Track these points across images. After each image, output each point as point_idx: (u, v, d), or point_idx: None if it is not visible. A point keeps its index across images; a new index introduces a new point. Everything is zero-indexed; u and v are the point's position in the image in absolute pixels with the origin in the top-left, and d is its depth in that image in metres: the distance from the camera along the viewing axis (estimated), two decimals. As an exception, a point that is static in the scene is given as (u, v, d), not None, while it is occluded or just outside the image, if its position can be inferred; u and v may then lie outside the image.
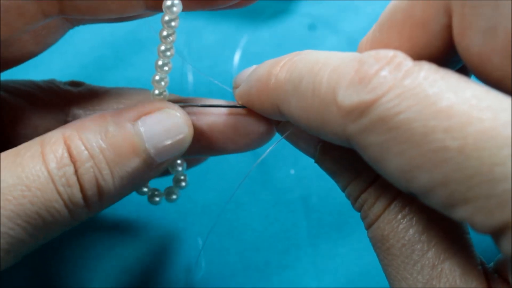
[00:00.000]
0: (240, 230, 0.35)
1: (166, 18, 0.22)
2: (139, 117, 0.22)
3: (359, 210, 0.21)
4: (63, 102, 0.26)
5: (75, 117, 0.25)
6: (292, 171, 0.36)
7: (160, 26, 0.23)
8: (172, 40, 0.23)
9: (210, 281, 0.34)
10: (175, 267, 0.34)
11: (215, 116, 0.25)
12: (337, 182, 0.22)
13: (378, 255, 0.20)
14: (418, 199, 0.16)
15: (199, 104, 0.25)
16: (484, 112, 0.14)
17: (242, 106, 0.24)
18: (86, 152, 0.21)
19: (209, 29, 0.41)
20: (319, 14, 0.41)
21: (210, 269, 0.34)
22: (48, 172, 0.20)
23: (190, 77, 0.39)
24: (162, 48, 0.23)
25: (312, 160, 0.38)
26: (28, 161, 0.20)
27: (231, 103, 0.25)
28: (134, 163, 0.22)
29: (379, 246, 0.20)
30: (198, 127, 0.24)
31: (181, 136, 0.23)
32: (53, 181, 0.20)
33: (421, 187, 0.15)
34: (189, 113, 0.24)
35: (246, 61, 0.39)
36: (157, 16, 0.24)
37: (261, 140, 0.25)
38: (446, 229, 0.18)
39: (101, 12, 0.22)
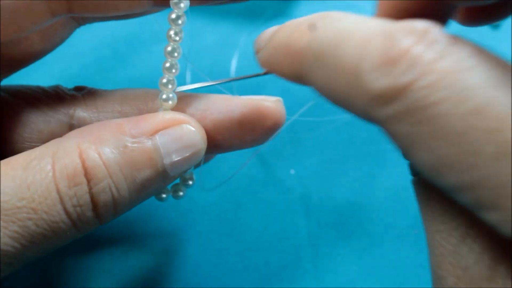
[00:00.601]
0: (240, 230, 0.35)
1: (173, 16, 0.22)
2: (157, 131, 0.22)
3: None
4: (67, 105, 0.25)
5: (79, 120, 0.25)
6: (292, 171, 0.36)
7: (164, 23, 0.23)
8: (179, 39, 0.23)
9: (210, 281, 0.33)
10: (175, 267, 0.34)
11: (220, 113, 0.24)
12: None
13: (418, 203, 0.19)
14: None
15: (217, 82, 0.25)
16: None
17: (266, 73, 0.23)
18: (104, 168, 0.20)
19: (208, 30, 0.41)
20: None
21: (210, 269, 0.34)
22: (58, 192, 0.19)
23: (188, 77, 0.39)
24: (169, 49, 0.23)
25: (313, 160, 0.38)
26: (37, 177, 0.19)
27: (253, 75, 0.24)
28: (150, 177, 0.22)
29: (421, 194, 0.18)
30: (203, 125, 0.24)
31: (196, 151, 0.23)
32: (62, 202, 0.19)
33: (449, 186, 0.14)
34: (194, 112, 0.24)
35: (245, 62, 0.39)
36: (160, 13, 0.24)
37: (267, 134, 0.24)
38: None
39: (109, 10, 0.22)
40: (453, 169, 0.13)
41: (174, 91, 0.24)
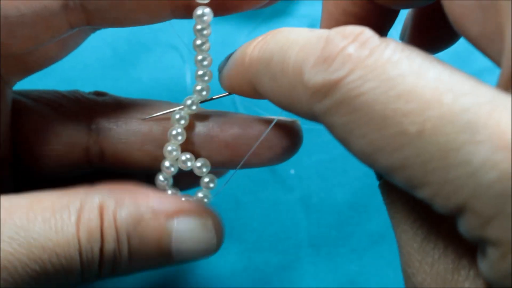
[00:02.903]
0: (240, 230, 0.35)
1: (198, 27, 0.23)
2: (176, 214, 0.22)
3: None
4: (87, 111, 0.25)
5: (98, 126, 0.25)
6: (292, 171, 0.36)
7: (179, 25, 0.23)
8: (207, 49, 0.24)
9: (210, 281, 0.34)
10: (174, 266, 0.34)
11: (239, 128, 0.24)
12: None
13: (386, 206, 0.20)
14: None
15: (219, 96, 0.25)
16: (444, 95, 0.14)
17: (228, 94, 0.24)
18: (114, 234, 0.21)
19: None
20: (318, 15, 0.41)
21: (210, 269, 0.34)
22: (79, 243, 0.20)
23: (188, 78, 0.39)
24: (199, 58, 0.24)
25: (313, 160, 0.39)
26: (64, 224, 0.20)
27: (222, 95, 0.25)
28: (153, 256, 0.22)
29: (386, 198, 0.19)
30: (222, 139, 0.24)
31: (206, 250, 0.23)
32: (80, 254, 0.20)
33: (383, 168, 0.15)
34: (214, 125, 0.24)
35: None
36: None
37: (285, 154, 0.25)
38: None
39: (128, 22, 0.22)
40: (384, 151, 0.15)
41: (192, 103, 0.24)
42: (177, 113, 0.24)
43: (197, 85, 0.24)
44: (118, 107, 0.26)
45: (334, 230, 0.35)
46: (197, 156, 0.24)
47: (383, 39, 0.16)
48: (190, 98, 0.24)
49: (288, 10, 0.42)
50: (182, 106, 0.24)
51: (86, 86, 0.37)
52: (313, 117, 0.17)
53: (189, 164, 0.24)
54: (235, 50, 0.23)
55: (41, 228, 0.20)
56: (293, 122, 0.25)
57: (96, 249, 0.20)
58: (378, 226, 0.35)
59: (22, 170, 0.25)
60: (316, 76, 0.16)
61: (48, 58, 0.25)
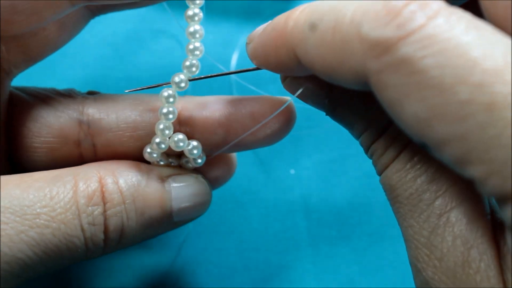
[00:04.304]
0: (240, 230, 0.35)
1: (190, 12, 0.22)
2: (170, 176, 0.24)
3: (370, 158, 0.21)
4: (78, 105, 0.26)
5: (89, 117, 0.25)
6: (292, 171, 0.36)
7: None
8: (198, 20, 0.23)
9: (210, 281, 0.33)
10: (175, 266, 0.34)
11: (231, 107, 0.24)
12: (350, 133, 0.22)
13: (388, 201, 0.19)
14: (428, 151, 0.15)
15: (212, 75, 0.25)
16: None
17: (256, 69, 0.23)
18: (119, 195, 0.21)
19: (208, 29, 0.41)
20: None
21: (210, 269, 0.34)
22: (77, 207, 0.20)
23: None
24: (191, 30, 0.23)
25: (313, 160, 0.38)
26: (59, 190, 0.20)
27: (243, 70, 0.24)
28: (157, 216, 0.23)
29: (388, 194, 0.19)
30: (215, 119, 0.24)
31: (203, 202, 0.24)
32: (79, 217, 0.20)
33: (437, 138, 0.14)
34: (205, 106, 0.24)
35: (244, 62, 0.39)
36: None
37: (281, 131, 0.25)
38: (455, 178, 0.17)
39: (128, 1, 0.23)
40: (444, 119, 0.14)
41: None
42: (165, 91, 0.24)
43: (186, 60, 0.24)
44: (108, 100, 0.26)
45: (334, 230, 0.35)
46: (189, 137, 0.24)
47: (449, 5, 0.15)
48: (178, 75, 0.24)
49: (288, 10, 0.42)
50: (169, 82, 0.24)
51: (84, 84, 0.37)
52: (363, 78, 0.16)
53: (181, 144, 0.24)
54: (272, 20, 0.21)
55: (35, 195, 0.20)
56: (286, 99, 0.25)
57: (97, 212, 0.21)
58: (378, 226, 0.35)
59: (16, 163, 0.25)
60: (377, 30, 0.15)
61: (49, 44, 0.25)
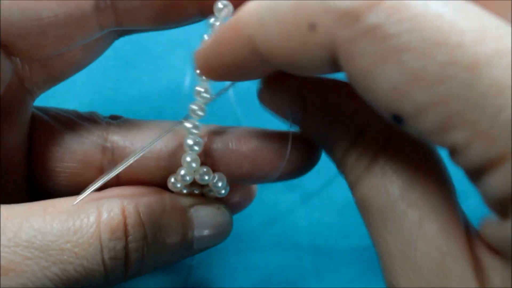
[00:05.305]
0: (240, 230, 0.35)
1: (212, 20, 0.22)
2: (192, 205, 0.24)
3: (342, 173, 0.20)
4: (102, 130, 0.25)
5: (113, 144, 0.25)
6: (292, 171, 0.36)
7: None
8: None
9: (210, 281, 0.34)
10: (174, 267, 0.34)
11: (258, 141, 0.24)
12: (323, 149, 0.22)
13: (362, 218, 0.19)
14: (402, 125, 0.14)
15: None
16: (498, 30, 0.13)
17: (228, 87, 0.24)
18: (142, 229, 0.21)
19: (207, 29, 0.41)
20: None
21: (210, 269, 0.34)
22: (100, 242, 0.20)
23: (187, 81, 0.39)
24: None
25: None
26: (83, 224, 0.20)
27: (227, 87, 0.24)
28: (178, 245, 0.23)
29: (360, 207, 0.19)
30: (242, 152, 0.24)
31: (223, 232, 0.25)
32: (101, 252, 0.20)
33: (416, 105, 0.14)
34: (232, 139, 0.24)
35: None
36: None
37: (305, 167, 0.25)
38: (429, 188, 0.17)
39: (157, 23, 0.22)
40: (424, 82, 0.13)
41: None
42: (187, 121, 0.23)
43: (198, 86, 0.24)
44: (133, 127, 0.26)
45: (334, 230, 0.35)
46: (214, 170, 0.24)
47: None
48: (194, 104, 0.24)
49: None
50: (186, 116, 0.24)
51: (85, 87, 0.37)
52: (331, 52, 0.15)
53: (206, 178, 0.24)
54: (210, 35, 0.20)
55: (59, 230, 0.20)
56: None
57: (119, 247, 0.20)
58: (378, 226, 0.35)
59: (37, 187, 0.25)
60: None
61: (73, 64, 0.25)
